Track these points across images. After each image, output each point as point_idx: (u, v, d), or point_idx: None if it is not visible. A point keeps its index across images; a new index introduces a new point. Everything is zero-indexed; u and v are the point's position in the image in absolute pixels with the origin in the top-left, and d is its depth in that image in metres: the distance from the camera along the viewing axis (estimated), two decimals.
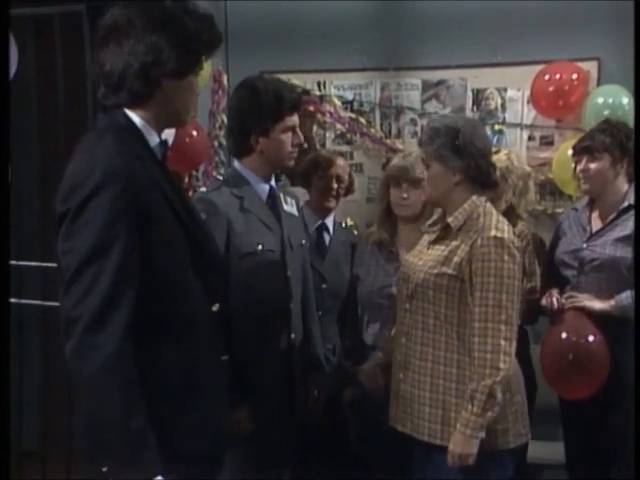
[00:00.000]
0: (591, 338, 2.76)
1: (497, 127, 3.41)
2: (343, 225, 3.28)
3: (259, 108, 2.39)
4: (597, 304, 2.80)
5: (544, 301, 2.89)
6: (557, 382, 2.86)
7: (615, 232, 2.83)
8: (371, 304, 2.89)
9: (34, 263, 3.49)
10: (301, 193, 3.11)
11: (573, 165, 2.97)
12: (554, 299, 2.85)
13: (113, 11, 1.72)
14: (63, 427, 3.31)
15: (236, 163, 2.54)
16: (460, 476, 2.22)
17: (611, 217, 2.87)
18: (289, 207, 2.60)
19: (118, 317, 1.59)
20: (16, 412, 3.49)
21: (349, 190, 3.21)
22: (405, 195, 2.81)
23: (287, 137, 2.44)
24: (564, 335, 2.81)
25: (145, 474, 1.58)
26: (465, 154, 2.29)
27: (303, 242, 2.67)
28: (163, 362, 1.70)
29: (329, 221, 3.14)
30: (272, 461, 2.45)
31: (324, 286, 2.82)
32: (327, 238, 3.12)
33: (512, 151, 3.21)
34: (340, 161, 3.15)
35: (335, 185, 3.09)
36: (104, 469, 1.58)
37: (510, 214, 3.02)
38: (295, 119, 2.46)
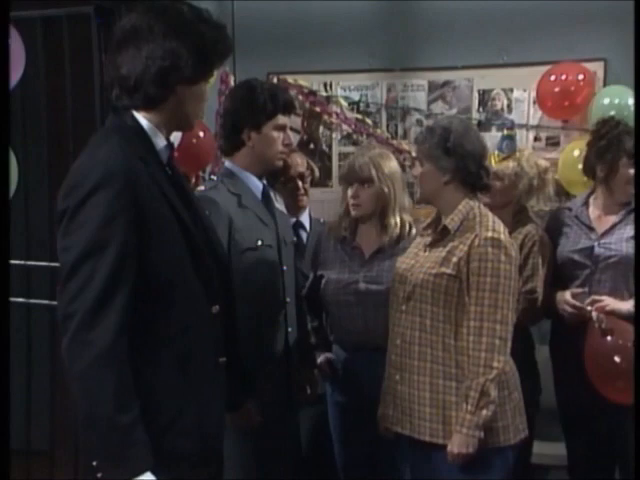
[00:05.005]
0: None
1: (506, 132, 3.28)
2: (322, 220, 3.23)
3: (254, 103, 2.47)
4: (624, 306, 2.73)
5: (593, 316, 2.71)
6: (611, 388, 2.70)
7: (627, 230, 2.80)
8: (336, 301, 2.79)
9: (43, 263, 3.51)
10: None
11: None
12: (601, 315, 2.69)
13: (131, 16, 1.75)
14: (71, 426, 3.32)
15: (227, 162, 2.59)
16: (463, 474, 2.23)
17: (621, 215, 2.84)
18: (279, 205, 2.67)
19: (111, 314, 1.60)
20: (25, 411, 3.52)
21: (313, 180, 3.24)
22: (353, 194, 2.77)
23: (278, 135, 2.51)
24: (610, 340, 2.66)
25: (132, 471, 1.59)
26: (455, 155, 2.32)
27: (294, 239, 2.76)
28: (160, 362, 1.71)
29: (304, 218, 3.17)
30: (272, 457, 2.46)
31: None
32: (304, 235, 3.15)
33: (523, 155, 3.06)
34: (296, 159, 3.13)
35: (300, 183, 3.12)
36: (94, 463, 1.60)
37: (521, 215, 3.03)
38: (286, 120, 2.55)
